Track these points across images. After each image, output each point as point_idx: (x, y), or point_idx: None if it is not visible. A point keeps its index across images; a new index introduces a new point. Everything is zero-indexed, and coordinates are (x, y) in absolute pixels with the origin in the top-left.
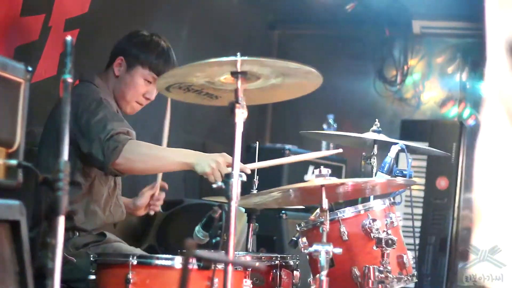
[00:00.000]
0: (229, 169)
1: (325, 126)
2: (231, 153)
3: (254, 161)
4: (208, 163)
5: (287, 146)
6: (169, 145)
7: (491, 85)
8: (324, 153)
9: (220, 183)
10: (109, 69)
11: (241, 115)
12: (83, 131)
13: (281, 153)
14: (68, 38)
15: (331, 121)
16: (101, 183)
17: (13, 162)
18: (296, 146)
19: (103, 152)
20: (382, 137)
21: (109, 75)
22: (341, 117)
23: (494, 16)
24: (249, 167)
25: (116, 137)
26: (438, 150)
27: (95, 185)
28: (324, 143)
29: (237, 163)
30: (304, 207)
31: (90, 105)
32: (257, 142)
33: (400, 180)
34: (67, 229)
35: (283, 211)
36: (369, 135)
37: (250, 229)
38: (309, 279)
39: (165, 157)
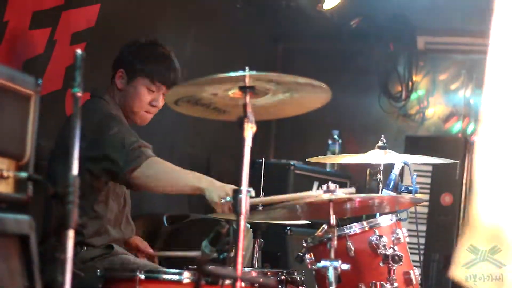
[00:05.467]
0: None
1: (330, 142)
2: (237, 168)
3: (260, 178)
4: (218, 193)
5: (292, 162)
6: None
7: (490, 99)
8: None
9: (228, 199)
10: (112, 82)
11: (250, 129)
12: (96, 142)
13: (286, 169)
14: (78, 51)
15: (336, 136)
16: (112, 199)
17: (23, 174)
18: (301, 161)
19: (126, 157)
20: (388, 154)
21: (114, 89)
22: (346, 133)
23: (500, 32)
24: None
25: (143, 149)
26: (444, 159)
27: (105, 201)
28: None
29: (245, 178)
30: (309, 223)
31: (103, 119)
32: (263, 158)
33: (407, 198)
34: (75, 244)
35: (288, 227)
36: (375, 152)
37: (256, 245)
38: None
39: (180, 179)
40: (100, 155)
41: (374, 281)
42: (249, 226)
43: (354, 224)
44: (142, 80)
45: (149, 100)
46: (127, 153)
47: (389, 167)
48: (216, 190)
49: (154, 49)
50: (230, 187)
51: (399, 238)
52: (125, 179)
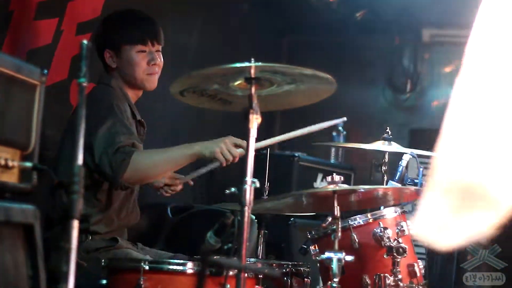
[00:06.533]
0: (238, 150)
1: (334, 133)
2: (242, 159)
3: (265, 170)
4: (215, 144)
5: (296, 153)
6: None
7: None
8: (328, 123)
9: (233, 189)
10: (107, 67)
11: (255, 121)
12: (93, 141)
13: (290, 160)
14: (84, 41)
15: (340, 128)
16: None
17: (28, 164)
18: (305, 153)
19: (111, 166)
20: (393, 146)
21: (111, 72)
22: (350, 125)
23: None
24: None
25: (122, 149)
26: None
27: (109, 190)
28: (333, 149)
29: (250, 169)
30: (313, 214)
31: (100, 113)
32: (268, 149)
33: (412, 189)
34: (80, 231)
35: (292, 219)
36: (380, 143)
37: (260, 236)
38: (318, 287)
39: (172, 157)
40: (96, 162)
41: (378, 273)
42: (253, 217)
43: (359, 216)
44: (128, 47)
45: (146, 61)
46: (110, 160)
47: (393, 159)
48: (210, 144)
49: (122, 15)
50: (222, 138)
51: (403, 230)
52: (121, 184)
